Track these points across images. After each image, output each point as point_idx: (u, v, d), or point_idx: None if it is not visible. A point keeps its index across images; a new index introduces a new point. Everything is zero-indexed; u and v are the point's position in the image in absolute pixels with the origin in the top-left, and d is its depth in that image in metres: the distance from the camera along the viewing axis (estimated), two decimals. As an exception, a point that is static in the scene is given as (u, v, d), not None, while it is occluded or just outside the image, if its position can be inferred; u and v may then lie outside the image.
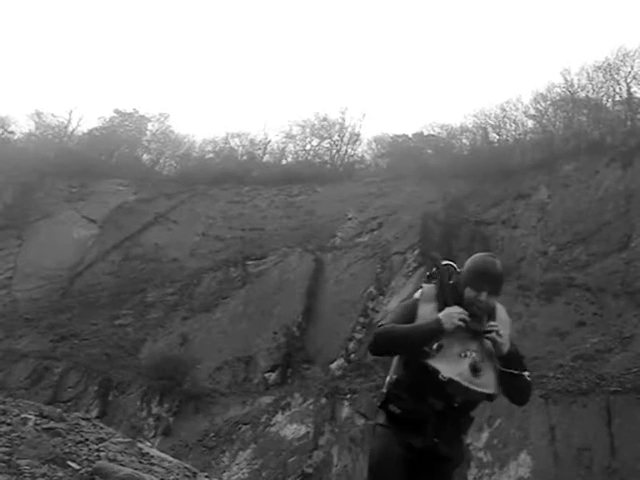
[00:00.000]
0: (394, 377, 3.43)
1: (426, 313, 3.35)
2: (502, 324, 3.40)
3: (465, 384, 3.19)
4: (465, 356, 3.23)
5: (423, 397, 3.27)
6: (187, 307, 25.87)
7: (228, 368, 22.51)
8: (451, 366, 3.20)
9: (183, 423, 20.54)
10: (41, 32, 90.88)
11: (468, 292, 3.31)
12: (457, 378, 3.19)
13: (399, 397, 3.34)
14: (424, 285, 3.51)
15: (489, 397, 3.29)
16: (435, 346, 3.22)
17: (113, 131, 41.37)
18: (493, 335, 3.26)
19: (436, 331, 3.23)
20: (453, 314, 3.24)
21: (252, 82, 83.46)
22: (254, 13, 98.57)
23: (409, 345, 3.27)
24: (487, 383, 3.24)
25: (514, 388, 3.36)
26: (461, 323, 3.23)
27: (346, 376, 20.90)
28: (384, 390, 3.43)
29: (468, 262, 3.40)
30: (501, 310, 3.52)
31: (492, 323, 3.32)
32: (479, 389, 3.22)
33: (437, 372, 3.19)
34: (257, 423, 19.64)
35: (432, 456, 3.29)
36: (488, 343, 3.30)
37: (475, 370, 3.21)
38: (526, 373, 3.33)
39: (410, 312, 3.42)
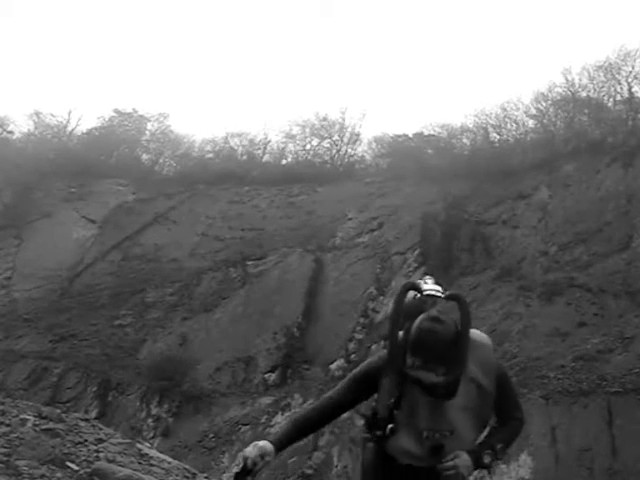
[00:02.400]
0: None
1: (386, 388, 2.96)
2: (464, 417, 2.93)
3: (425, 465, 2.93)
4: (427, 437, 2.88)
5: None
6: (187, 307, 25.84)
7: (228, 368, 22.48)
8: (410, 448, 2.92)
9: (183, 424, 20.50)
10: (40, 32, 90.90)
11: (407, 358, 2.81)
12: (415, 463, 2.93)
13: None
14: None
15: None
16: (387, 430, 2.89)
17: (112, 131, 41.33)
18: (448, 475, 2.89)
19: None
20: (255, 447, 2.86)
21: (252, 82, 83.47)
22: (254, 13, 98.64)
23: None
24: (450, 456, 2.89)
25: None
26: (246, 465, 2.82)
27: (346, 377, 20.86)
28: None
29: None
30: (478, 364, 2.93)
31: (446, 465, 2.88)
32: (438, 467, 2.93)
33: (394, 459, 2.97)
34: (257, 424, 19.60)
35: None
36: (465, 403, 2.90)
37: (436, 452, 2.88)
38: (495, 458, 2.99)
39: (365, 383, 3.05)
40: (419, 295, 3.00)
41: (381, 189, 31.26)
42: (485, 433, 3.04)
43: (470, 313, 2.89)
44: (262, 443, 2.88)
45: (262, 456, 2.85)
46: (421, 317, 2.82)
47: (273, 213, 31.44)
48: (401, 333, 2.89)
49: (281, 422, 19.23)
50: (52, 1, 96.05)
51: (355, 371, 3.14)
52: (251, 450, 2.86)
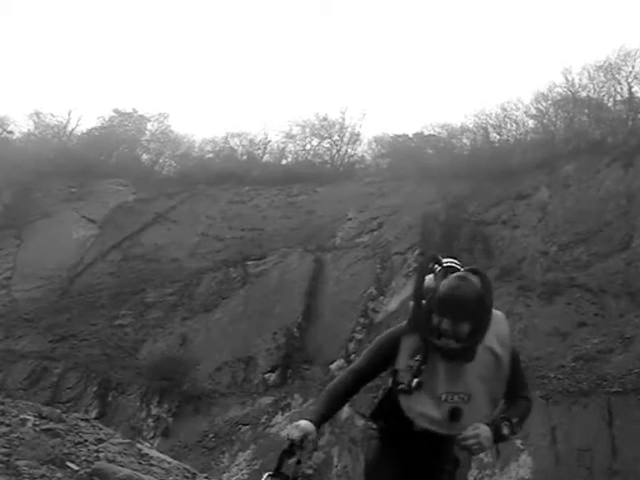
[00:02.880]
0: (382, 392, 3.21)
1: (409, 347, 3.05)
2: (483, 382, 3.04)
3: (442, 431, 2.98)
4: (446, 400, 2.95)
5: (407, 423, 3.04)
6: (187, 307, 25.82)
7: (228, 368, 22.47)
8: (428, 412, 2.95)
9: (182, 424, 20.49)
10: (40, 32, 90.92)
11: (434, 318, 2.96)
12: (433, 427, 2.97)
13: (386, 416, 3.18)
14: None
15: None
16: (414, 383, 2.94)
17: (112, 131, 41.36)
18: (470, 445, 2.92)
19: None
20: (295, 425, 2.95)
21: (252, 82, 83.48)
22: (254, 13, 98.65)
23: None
24: (468, 425, 2.95)
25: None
26: (292, 436, 2.89)
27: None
28: (377, 401, 3.24)
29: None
30: (495, 336, 3.06)
31: (468, 434, 2.92)
32: (456, 434, 2.97)
33: (410, 421, 2.98)
34: (257, 424, 19.60)
35: (430, 457, 3.18)
36: (481, 370, 3.01)
37: (455, 415, 2.95)
38: (513, 433, 3.06)
39: (388, 348, 3.12)
40: (440, 268, 3.13)
41: (381, 189, 31.25)
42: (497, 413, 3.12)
43: (491, 285, 3.01)
44: (303, 424, 2.94)
45: (305, 436, 2.91)
46: (449, 278, 2.98)
47: (273, 213, 31.44)
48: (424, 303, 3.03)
49: (281, 422, 19.23)
50: (52, 1, 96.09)
51: (377, 338, 3.26)
52: (293, 432, 2.91)
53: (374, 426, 3.31)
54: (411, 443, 3.10)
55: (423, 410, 2.96)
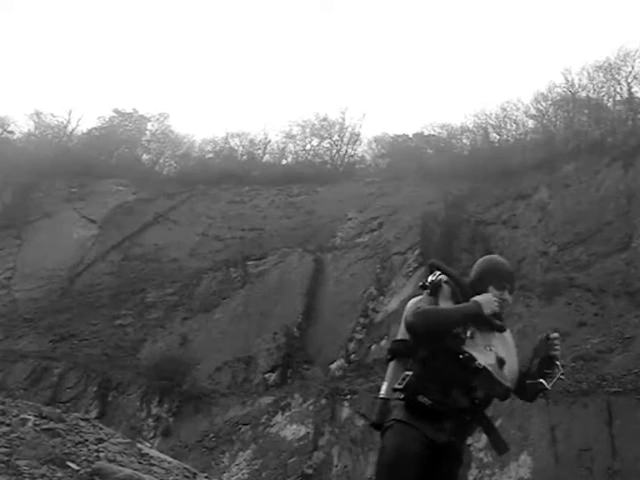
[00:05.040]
0: (408, 374, 3.31)
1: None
2: (509, 349, 3.52)
3: (494, 375, 3.30)
4: (490, 349, 3.36)
5: (448, 390, 3.23)
6: (187, 307, 25.82)
7: (228, 368, 22.47)
8: (482, 356, 3.30)
9: (183, 424, 20.49)
10: (40, 32, 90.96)
11: (492, 291, 3.46)
12: (490, 368, 3.30)
13: (426, 389, 3.24)
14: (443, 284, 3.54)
15: (507, 393, 3.40)
16: (469, 333, 3.30)
17: (113, 131, 41.35)
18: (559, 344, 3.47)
19: (476, 314, 3.32)
20: (491, 299, 3.39)
21: (252, 82, 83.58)
22: (254, 13, 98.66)
23: (450, 324, 3.33)
24: (508, 378, 3.37)
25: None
26: (497, 309, 3.39)
27: (346, 377, 20.85)
28: (399, 386, 3.29)
29: (484, 264, 3.60)
30: (509, 334, 3.64)
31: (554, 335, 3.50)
32: (503, 382, 3.33)
33: (473, 359, 3.26)
34: (257, 424, 19.59)
35: (446, 454, 3.25)
36: (508, 340, 3.52)
37: (501, 362, 3.34)
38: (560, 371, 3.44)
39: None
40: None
41: (381, 189, 31.26)
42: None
43: None
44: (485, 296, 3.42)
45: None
46: (490, 257, 3.69)
47: (273, 213, 31.44)
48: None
49: (281, 422, 19.24)
50: (53, 0, 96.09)
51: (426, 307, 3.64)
52: (491, 304, 3.38)
53: (399, 416, 3.27)
54: (441, 422, 3.23)
55: (480, 352, 3.31)
